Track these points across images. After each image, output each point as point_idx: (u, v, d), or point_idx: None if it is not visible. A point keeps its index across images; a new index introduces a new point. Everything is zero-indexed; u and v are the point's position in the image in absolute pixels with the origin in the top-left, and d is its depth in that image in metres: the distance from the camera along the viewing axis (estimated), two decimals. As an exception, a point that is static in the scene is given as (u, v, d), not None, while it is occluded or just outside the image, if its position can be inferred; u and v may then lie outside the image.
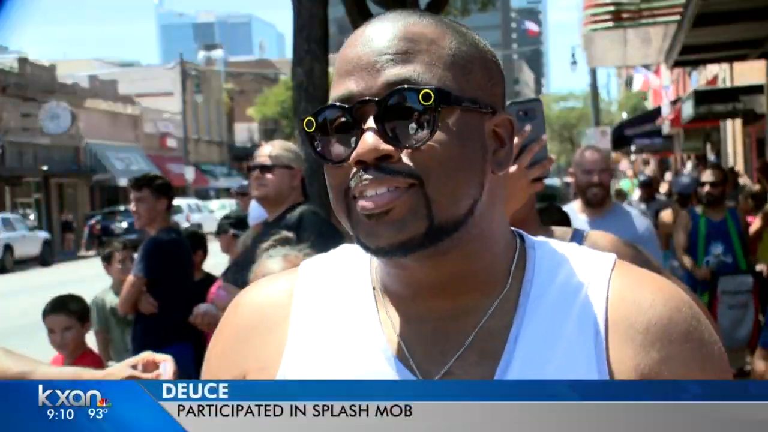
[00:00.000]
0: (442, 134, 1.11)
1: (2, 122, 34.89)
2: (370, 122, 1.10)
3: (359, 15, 9.54)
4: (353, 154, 1.10)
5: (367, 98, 1.11)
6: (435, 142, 1.10)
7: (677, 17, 12.19)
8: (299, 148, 4.54)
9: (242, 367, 1.23)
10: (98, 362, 4.88)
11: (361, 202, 1.10)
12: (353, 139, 1.11)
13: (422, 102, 1.09)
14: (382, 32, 1.14)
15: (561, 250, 1.23)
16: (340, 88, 1.14)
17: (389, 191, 1.09)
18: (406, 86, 1.10)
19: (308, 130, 1.16)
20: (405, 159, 1.10)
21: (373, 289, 1.22)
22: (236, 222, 7.44)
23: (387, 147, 1.09)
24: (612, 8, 14.99)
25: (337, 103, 1.13)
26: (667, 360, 1.13)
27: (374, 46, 1.13)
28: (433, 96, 1.09)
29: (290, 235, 2.86)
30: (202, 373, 1.30)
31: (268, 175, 4.21)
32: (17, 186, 35.57)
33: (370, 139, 1.09)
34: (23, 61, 37.57)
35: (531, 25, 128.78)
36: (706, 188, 7.17)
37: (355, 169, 1.11)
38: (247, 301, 1.28)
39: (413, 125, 1.10)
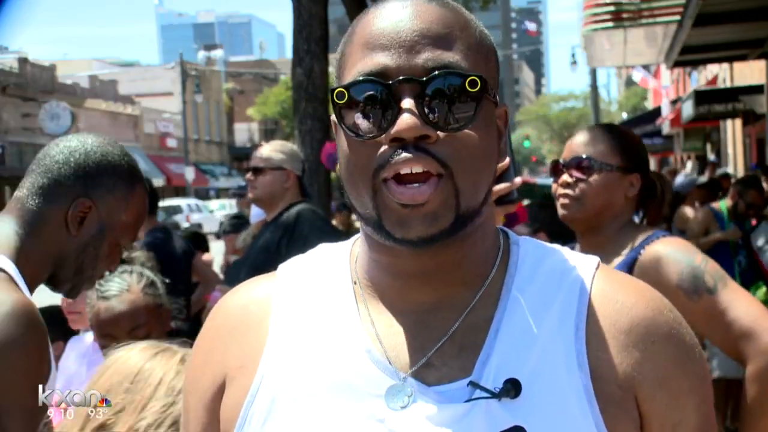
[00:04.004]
0: (477, 122, 1.12)
1: (2, 122, 34.89)
2: (410, 101, 1.09)
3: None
4: (392, 131, 1.09)
5: (409, 77, 1.10)
6: (471, 130, 1.11)
7: (677, 17, 12.17)
8: (298, 149, 4.54)
9: (223, 368, 1.23)
10: None
11: (400, 191, 1.10)
12: (387, 116, 1.10)
13: (468, 88, 1.10)
14: (419, 12, 1.14)
15: (544, 249, 1.24)
16: (370, 62, 1.13)
17: (429, 182, 1.09)
18: (451, 71, 1.11)
19: (339, 102, 1.14)
20: (441, 143, 1.10)
21: (354, 283, 1.23)
22: (239, 222, 7.46)
23: (427, 127, 1.09)
24: (612, 8, 14.95)
25: (375, 78, 1.11)
26: (648, 360, 1.14)
27: (413, 26, 1.13)
28: (479, 83, 1.11)
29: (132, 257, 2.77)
30: (185, 379, 1.31)
31: (260, 177, 4.24)
32: (17, 186, 35.51)
33: (411, 118, 1.09)
34: (23, 61, 37.55)
35: (531, 25, 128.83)
36: None
37: (386, 147, 1.10)
38: (228, 304, 1.29)
39: (454, 110, 1.11)
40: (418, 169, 1.09)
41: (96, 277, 1.99)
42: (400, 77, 1.10)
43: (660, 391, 1.14)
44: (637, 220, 2.73)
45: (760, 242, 6.97)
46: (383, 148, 1.10)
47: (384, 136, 1.10)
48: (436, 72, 1.10)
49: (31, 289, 1.80)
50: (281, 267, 1.29)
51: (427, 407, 1.10)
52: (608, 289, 1.18)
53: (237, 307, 1.27)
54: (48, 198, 1.89)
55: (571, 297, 1.17)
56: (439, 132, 1.10)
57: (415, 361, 1.14)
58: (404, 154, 1.09)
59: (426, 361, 1.14)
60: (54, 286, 1.92)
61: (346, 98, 1.13)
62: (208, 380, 1.24)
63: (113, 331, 2.46)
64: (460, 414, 1.09)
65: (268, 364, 1.19)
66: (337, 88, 1.14)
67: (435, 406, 1.10)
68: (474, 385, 1.10)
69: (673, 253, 2.47)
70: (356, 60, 1.15)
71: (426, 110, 1.10)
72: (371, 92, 1.11)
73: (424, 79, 1.10)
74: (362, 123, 1.12)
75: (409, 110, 1.09)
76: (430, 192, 1.09)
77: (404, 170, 1.09)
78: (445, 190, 1.10)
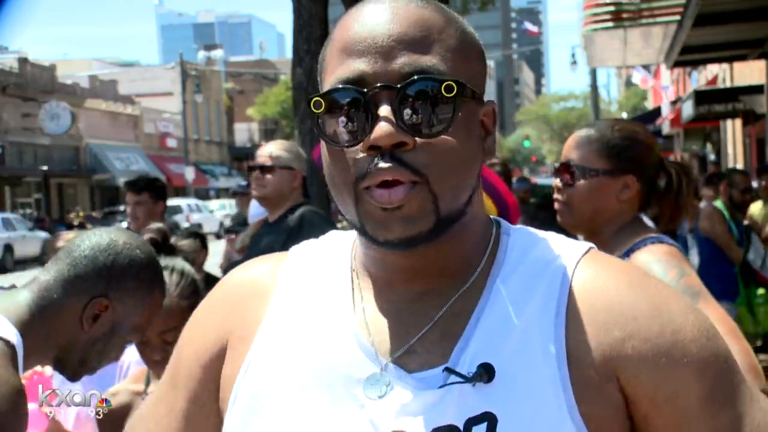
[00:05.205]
0: (455, 126, 1.11)
1: (2, 122, 34.91)
2: (387, 109, 1.09)
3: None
4: (369, 139, 1.09)
5: (384, 83, 1.09)
6: (450, 134, 1.11)
7: (677, 17, 12.17)
8: (300, 148, 4.53)
9: (225, 332, 1.25)
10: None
11: (378, 194, 1.09)
12: (365, 124, 1.10)
13: (444, 93, 1.09)
14: (396, 16, 1.13)
15: (534, 238, 1.24)
16: (347, 69, 1.12)
17: (403, 186, 1.09)
18: (428, 76, 1.09)
19: (316, 111, 1.13)
20: (418, 149, 1.09)
21: (353, 271, 1.24)
22: (243, 221, 7.48)
23: (403, 135, 1.08)
24: (612, 8, 14.96)
25: (352, 86, 1.11)
26: (630, 337, 1.12)
27: (389, 30, 1.12)
28: (455, 88, 1.09)
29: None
30: (183, 331, 1.32)
31: (268, 176, 4.21)
32: (17, 186, 35.58)
33: (387, 126, 1.08)
34: (23, 61, 37.59)
35: (531, 25, 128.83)
36: None
37: (364, 155, 1.10)
38: (239, 274, 1.32)
39: (431, 115, 1.10)
40: (397, 177, 1.09)
41: (99, 368, 2.03)
42: (377, 84, 1.09)
43: (645, 368, 1.11)
44: (648, 220, 2.65)
45: (758, 260, 7.01)
46: (361, 155, 1.10)
47: (362, 144, 1.10)
48: (412, 78, 1.09)
49: (27, 367, 1.83)
50: (293, 249, 1.31)
51: (404, 394, 1.11)
52: (591, 273, 1.17)
53: (247, 278, 1.29)
54: (68, 290, 1.93)
55: (554, 284, 1.16)
56: (417, 138, 1.09)
57: (398, 347, 1.15)
58: (381, 164, 1.08)
59: (409, 348, 1.15)
60: (57, 369, 1.96)
61: (323, 107, 1.12)
62: (209, 339, 1.26)
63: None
64: (435, 400, 1.10)
65: (262, 339, 1.21)
66: (314, 97, 1.13)
67: (411, 393, 1.11)
68: (449, 370, 1.10)
69: (649, 265, 2.38)
70: (335, 66, 1.14)
71: (403, 117, 1.09)
72: (348, 100, 1.11)
73: (399, 86, 1.09)
74: (341, 131, 1.12)
75: (385, 118, 1.08)
76: (403, 195, 1.09)
77: (384, 178, 1.09)
78: (420, 195, 1.09)
